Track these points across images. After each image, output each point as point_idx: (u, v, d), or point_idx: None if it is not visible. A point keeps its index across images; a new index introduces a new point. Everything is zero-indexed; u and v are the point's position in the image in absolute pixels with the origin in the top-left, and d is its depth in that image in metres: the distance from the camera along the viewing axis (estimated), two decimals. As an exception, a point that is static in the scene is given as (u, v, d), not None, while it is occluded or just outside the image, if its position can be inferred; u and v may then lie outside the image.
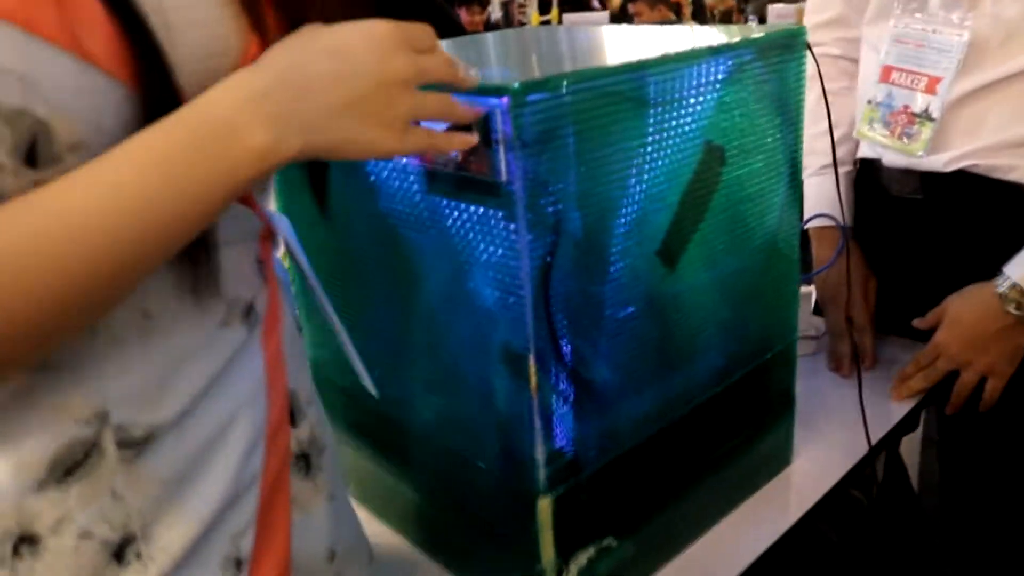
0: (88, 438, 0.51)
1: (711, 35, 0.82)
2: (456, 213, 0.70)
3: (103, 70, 0.46)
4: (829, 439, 1.10)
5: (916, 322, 1.20)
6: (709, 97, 0.77)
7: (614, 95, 0.68)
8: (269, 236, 0.63)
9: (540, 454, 0.72)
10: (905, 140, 1.15)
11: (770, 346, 0.96)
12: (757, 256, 0.89)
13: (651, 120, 0.72)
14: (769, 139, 0.85)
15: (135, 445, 0.52)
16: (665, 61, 0.71)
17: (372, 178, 0.78)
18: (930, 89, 1.12)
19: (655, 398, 0.82)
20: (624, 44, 0.84)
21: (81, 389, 0.51)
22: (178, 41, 0.49)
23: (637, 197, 0.73)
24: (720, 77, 0.77)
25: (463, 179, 0.67)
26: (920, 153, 1.13)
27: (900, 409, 1.16)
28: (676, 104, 0.74)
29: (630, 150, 0.71)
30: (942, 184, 1.14)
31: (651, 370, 0.80)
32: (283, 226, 0.67)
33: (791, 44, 0.84)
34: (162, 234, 0.47)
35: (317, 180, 0.70)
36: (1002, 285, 1.08)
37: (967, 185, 1.13)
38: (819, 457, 1.07)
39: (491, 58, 0.85)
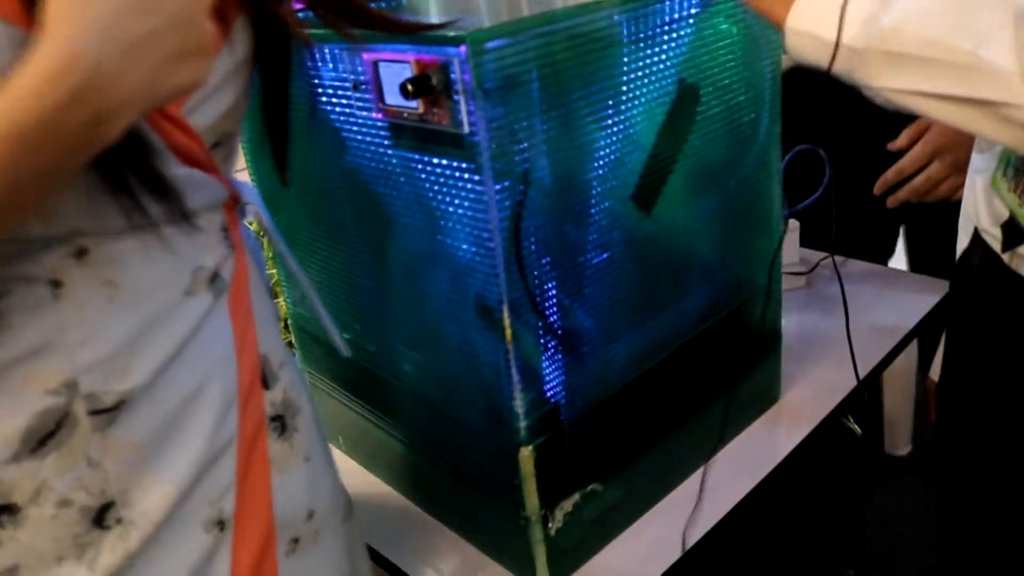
0: (59, 407, 0.51)
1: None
2: (422, 166, 0.69)
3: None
4: (817, 374, 1.10)
5: (897, 142, 1.16)
6: (682, 33, 0.74)
7: (580, 37, 0.66)
8: (234, 204, 0.63)
9: (519, 405, 0.72)
10: None
11: (753, 283, 0.95)
12: (736, 194, 0.87)
13: (621, 61, 0.70)
14: (746, 73, 0.83)
15: (107, 412, 0.53)
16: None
17: (339, 134, 0.76)
18: None
19: (635, 343, 0.81)
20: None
21: (48, 360, 0.51)
22: None
23: (608, 141, 0.71)
24: (692, 11, 0.75)
25: (427, 132, 0.66)
26: None
27: (888, 342, 1.16)
28: (647, 42, 0.72)
29: (599, 93, 0.69)
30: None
31: (630, 315, 0.80)
32: (249, 193, 0.66)
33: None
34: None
35: (277, 145, 0.68)
36: None
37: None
38: (807, 393, 1.07)
39: (448, 9, 0.83)
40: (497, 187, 0.63)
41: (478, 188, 0.64)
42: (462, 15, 0.73)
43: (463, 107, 0.61)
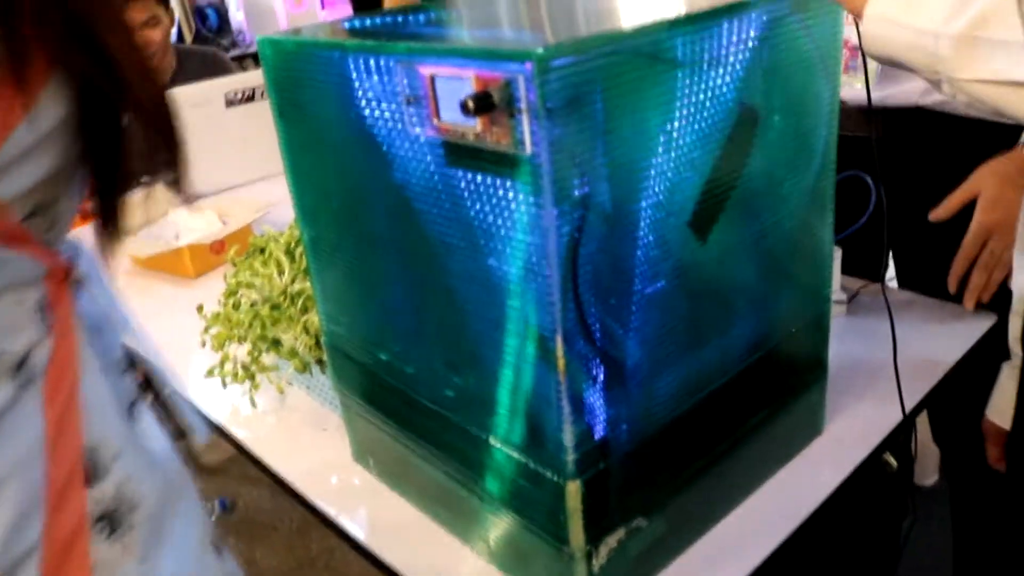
0: None
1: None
2: (476, 186, 0.66)
3: None
4: (860, 406, 1.07)
5: (939, 212, 1.13)
6: (743, 55, 0.72)
7: (644, 57, 0.63)
8: (65, 276, 0.58)
9: (568, 439, 0.69)
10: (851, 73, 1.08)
11: (803, 313, 0.92)
12: (789, 221, 0.84)
13: (683, 82, 0.67)
14: (805, 97, 0.80)
15: None
16: (698, 18, 0.66)
17: (386, 148, 0.73)
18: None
19: (686, 374, 0.78)
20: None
21: None
22: None
23: (668, 165, 0.68)
24: (754, 33, 0.72)
25: (484, 151, 0.63)
26: (858, 86, 1.07)
27: (934, 375, 1.12)
28: (709, 64, 0.69)
29: (660, 115, 0.66)
30: (898, 121, 1.09)
31: (682, 346, 0.77)
32: (88, 262, 0.62)
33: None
34: None
35: (105, 200, 0.63)
36: None
37: (925, 121, 1.08)
38: (851, 427, 1.03)
39: (499, 16, 0.80)
40: (556, 212, 0.61)
41: (537, 212, 0.61)
42: (518, 29, 0.71)
43: (525, 127, 0.58)
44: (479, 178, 0.65)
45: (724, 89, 0.71)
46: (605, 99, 0.61)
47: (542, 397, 0.69)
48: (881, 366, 1.14)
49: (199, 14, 4.58)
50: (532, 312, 0.66)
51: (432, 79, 0.64)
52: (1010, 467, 1.01)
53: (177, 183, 0.65)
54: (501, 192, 0.64)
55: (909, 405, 1.05)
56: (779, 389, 0.92)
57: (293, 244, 1.22)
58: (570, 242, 0.62)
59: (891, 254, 1.45)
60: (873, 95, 1.09)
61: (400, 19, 0.84)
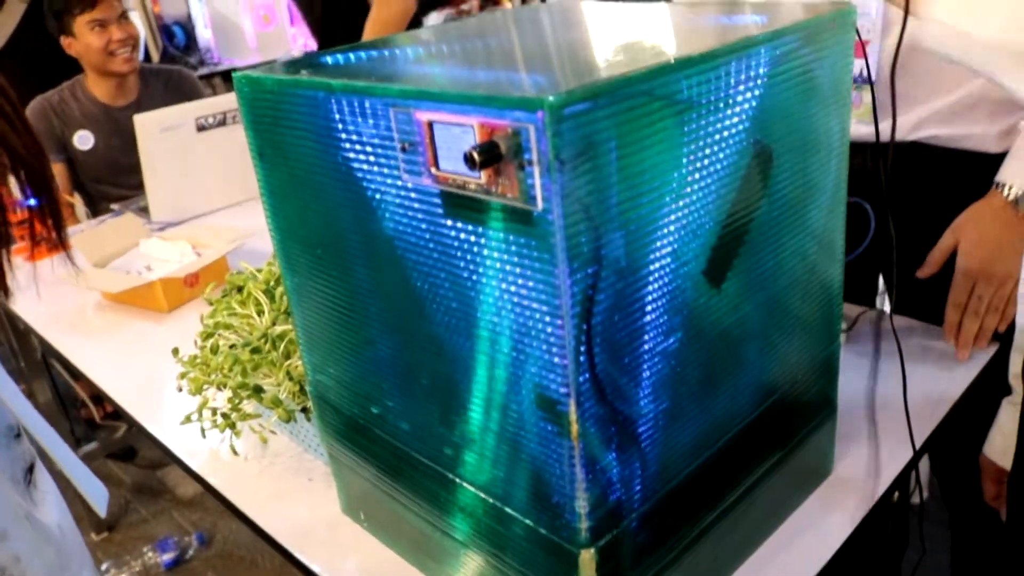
0: None
1: (747, 17, 0.73)
2: (478, 240, 0.61)
3: None
4: (868, 443, 1.03)
5: (924, 269, 1.14)
6: (756, 91, 0.68)
7: (657, 100, 0.59)
8: None
9: (582, 506, 0.64)
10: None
11: (814, 354, 0.88)
12: (802, 259, 0.80)
13: (697, 124, 0.63)
14: (817, 130, 0.76)
15: None
16: (713, 56, 0.62)
17: (376, 195, 0.68)
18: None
19: (699, 428, 0.74)
20: (639, 29, 0.74)
21: None
22: None
23: (684, 212, 0.64)
24: (766, 69, 0.68)
25: (488, 204, 0.58)
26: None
27: (940, 407, 1.09)
28: (723, 103, 0.65)
29: (674, 160, 0.62)
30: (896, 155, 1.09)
31: (695, 399, 0.72)
32: None
33: (842, 23, 0.74)
34: None
35: None
36: (1010, 193, 1.05)
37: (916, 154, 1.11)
38: (860, 465, 1.00)
39: (494, 53, 0.75)
40: (569, 270, 0.56)
41: (547, 270, 0.56)
42: (514, 68, 0.67)
43: (536, 180, 0.54)
44: (480, 231, 0.61)
45: (738, 128, 0.67)
46: (618, 146, 0.57)
47: (552, 462, 0.64)
48: (886, 399, 1.10)
49: (165, 32, 4.50)
50: (541, 374, 0.61)
51: (430, 125, 0.59)
52: (1011, 508, 0.97)
53: (58, 233, 0.60)
54: (506, 247, 0.59)
55: (918, 440, 1.02)
56: (789, 433, 0.88)
57: (272, 283, 1.16)
58: (584, 301, 0.58)
59: (885, 280, 1.43)
60: (867, 130, 1.08)
61: (385, 53, 0.79)
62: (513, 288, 0.60)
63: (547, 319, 0.58)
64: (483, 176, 0.56)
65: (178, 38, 4.56)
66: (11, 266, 0.58)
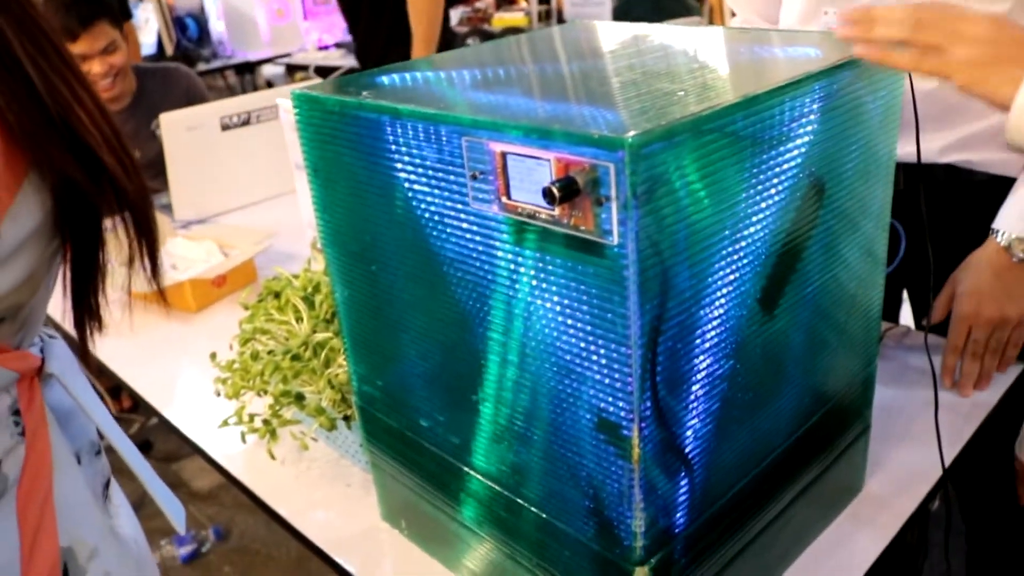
0: None
1: (801, 49, 0.75)
2: (544, 268, 0.63)
3: None
4: (897, 459, 1.05)
5: (933, 316, 1.18)
6: (813, 126, 0.69)
7: (727, 137, 0.61)
8: (35, 375, 0.56)
9: (639, 525, 0.66)
10: None
11: (854, 373, 0.90)
12: (847, 283, 0.82)
13: (757, 159, 0.65)
14: (867, 158, 0.78)
15: None
16: (777, 93, 0.64)
17: (437, 218, 0.70)
18: None
19: (746, 451, 0.76)
20: (695, 57, 0.76)
21: None
22: None
23: (743, 244, 0.66)
24: (822, 104, 0.70)
25: (558, 235, 0.60)
26: None
27: (971, 421, 1.11)
28: (783, 138, 0.66)
29: (736, 195, 0.64)
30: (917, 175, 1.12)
31: (745, 423, 0.74)
32: (58, 361, 0.59)
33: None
34: None
35: (79, 319, 0.62)
36: (1003, 239, 1.09)
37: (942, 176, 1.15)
38: (890, 481, 1.02)
39: (553, 81, 0.77)
40: (639, 301, 0.58)
41: (618, 301, 0.58)
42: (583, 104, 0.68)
43: (614, 216, 0.55)
44: (548, 259, 0.62)
45: (795, 161, 0.68)
46: (688, 183, 0.59)
47: (610, 482, 0.66)
48: (915, 414, 1.12)
49: (178, 24, 4.51)
50: (603, 399, 0.63)
51: (503, 156, 0.61)
52: None
53: (153, 270, 0.63)
54: (574, 275, 0.61)
55: (949, 456, 1.04)
56: (827, 451, 0.90)
57: (311, 289, 1.18)
58: (651, 331, 0.60)
59: (910, 298, 1.45)
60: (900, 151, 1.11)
61: (442, 75, 0.81)
62: (578, 315, 0.62)
63: (613, 347, 0.60)
64: (557, 209, 0.58)
65: (191, 30, 4.57)
66: (107, 301, 0.60)
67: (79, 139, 0.51)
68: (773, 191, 0.67)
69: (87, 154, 0.52)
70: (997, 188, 1.17)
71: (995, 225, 1.12)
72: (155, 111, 2.11)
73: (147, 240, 0.60)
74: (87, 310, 0.60)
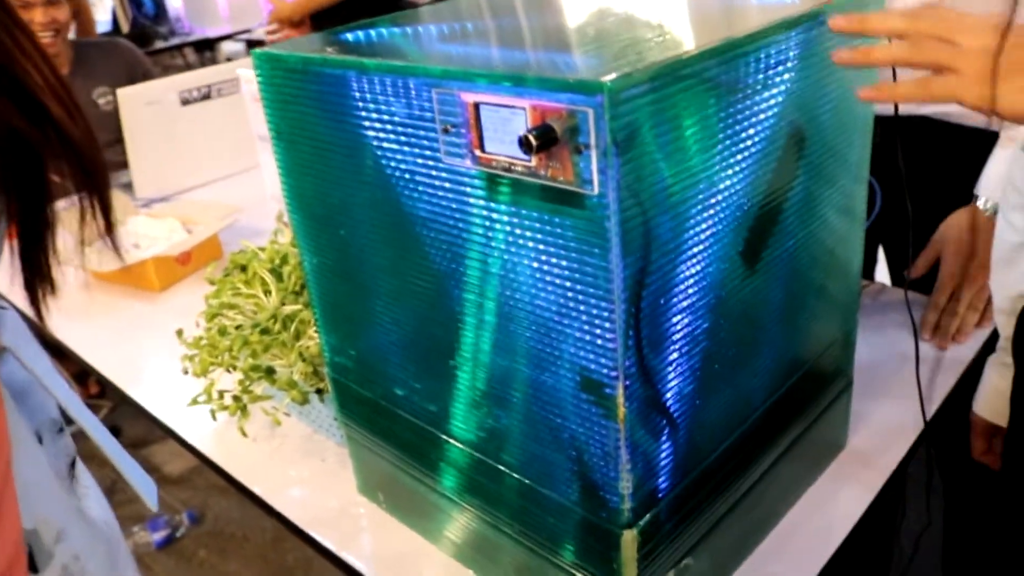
0: None
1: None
2: (521, 222, 0.60)
3: None
4: (879, 415, 1.04)
5: (913, 272, 1.19)
6: (793, 72, 0.67)
7: (705, 82, 0.58)
8: None
9: (626, 487, 0.64)
10: None
11: (834, 329, 0.88)
12: (826, 237, 0.81)
13: (739, 106, 0.62)
14: (844, 109, 0.76)
15: None
16: (757, 37, 0.61)
17: (408, 176, 0.67)
18: None
19: (731, 409, 0.74)
20: (671, 5, 0.73)
21: None
22: None
23: (725, 195, 0.64)
24: (801, 50, 0.68)
25: (535, 187, 0.57)
26: None
27: (950, 376, 1.10)
28: (762, 85, 0.64)
29: (717, 143, 0.62)
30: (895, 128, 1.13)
31: (729, 380, 0.73)
32: (12, 332, 0.56)
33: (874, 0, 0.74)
34: None
35: (29, 280, 0.59)
36: (985, 206, 1.11)
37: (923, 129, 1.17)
38: (872, 437, 1.01)
39: (526, 31, 0.74)
40: (622, 253, 0.55)
41: (600, 254, 0.56)
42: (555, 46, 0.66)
43: (593, 164, 0.53)
44: (525, 213, 0.60)
45: (775, 109, 0.66)
46: (667, 129, 0.56)
47: (595, 444, 0.64)
48: (894, 370, 1.12)
49: (134, 1, 4.40)
50: (587, 357, 0.61)
51: (476, 107, 0.58)
52: (1006, 466, 1.00)
53: (105, 216, 0.59)
54: (553, 229, 0.58)
55: (929, 410, 1.03)
56: (810, 408, 0.89)
57: (278, 261, 1.15)
58: (634, 284, 0.57)
59: (885, 253, 1.44)
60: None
61: (408, 30, 0.78)
62: (558, 271, 0.60)
63: (595, 302, 0.58)
64: (533, 159, 0.56)
65: (147, 7, 4.47)
66: (59, 259, 0.56)
67: (20, 84, 0.48)
68: (752, 140, 0.65)
69: (29, 100, 0.48)
70: (973, 140, 1.16)
71: (977, 190, 1.12)
72: (94, 83, 2.04)
73: (97, 187, 0.56)
74: (37, 272, 0.57)
